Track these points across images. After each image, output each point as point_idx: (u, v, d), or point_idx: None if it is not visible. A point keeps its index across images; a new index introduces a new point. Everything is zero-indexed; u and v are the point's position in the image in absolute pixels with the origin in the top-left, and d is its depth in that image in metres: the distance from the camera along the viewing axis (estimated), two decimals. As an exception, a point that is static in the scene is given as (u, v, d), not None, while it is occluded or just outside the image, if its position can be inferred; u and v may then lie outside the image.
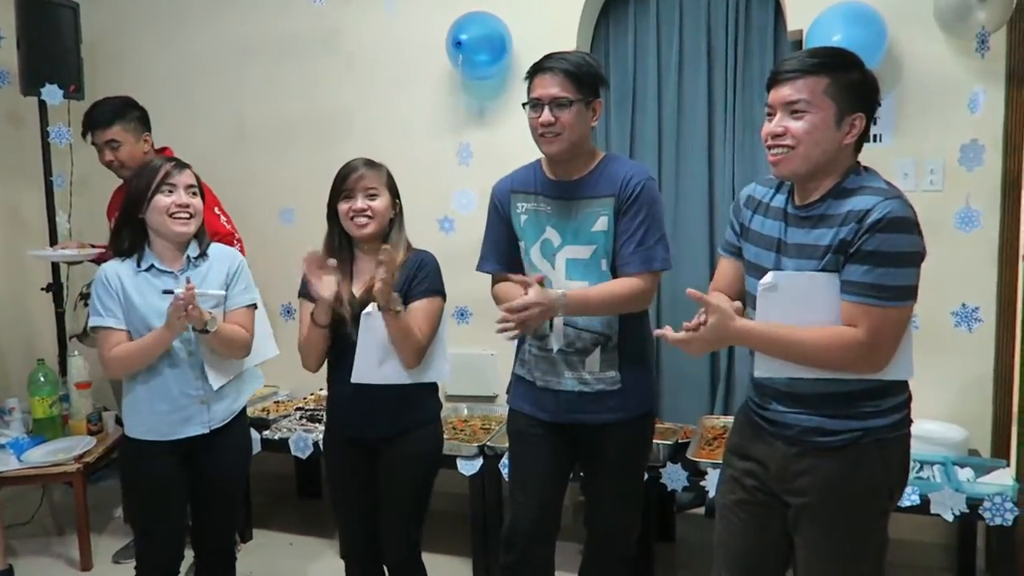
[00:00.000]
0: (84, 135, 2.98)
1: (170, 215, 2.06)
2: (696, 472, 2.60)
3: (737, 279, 1.85)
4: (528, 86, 2.02)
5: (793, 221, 1.67)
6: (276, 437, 3.10)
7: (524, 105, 2.03)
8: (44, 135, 3.47)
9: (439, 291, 2.16)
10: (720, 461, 2.53)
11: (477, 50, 3.12)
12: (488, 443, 2.85)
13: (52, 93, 3.26)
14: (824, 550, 1.68)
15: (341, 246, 2.15)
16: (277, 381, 3.64)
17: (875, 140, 2.83)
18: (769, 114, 1.65)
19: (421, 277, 2.12)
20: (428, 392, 2.22)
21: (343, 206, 2.10)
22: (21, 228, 4.02)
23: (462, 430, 3.08)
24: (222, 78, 3.78)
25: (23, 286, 3.97)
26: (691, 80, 3.22)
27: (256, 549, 3.25)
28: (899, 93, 2.79)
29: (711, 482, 2.52)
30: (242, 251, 2.64)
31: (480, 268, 2.23)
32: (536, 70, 2.01)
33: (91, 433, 3.26)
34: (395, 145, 3.32)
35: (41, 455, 3.07)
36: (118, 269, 2.10)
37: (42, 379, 3.24)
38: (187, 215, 2.08)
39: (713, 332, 1.61)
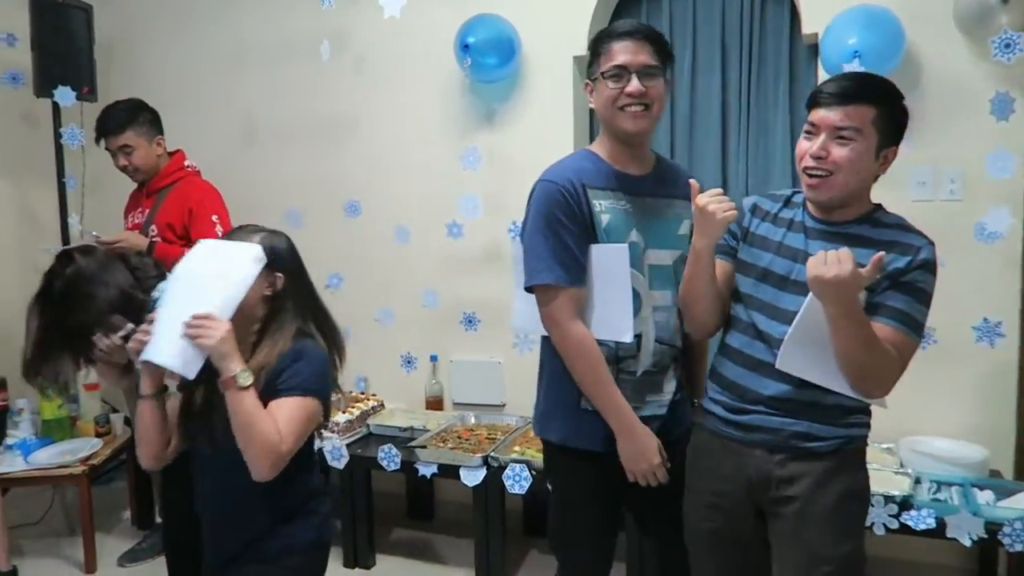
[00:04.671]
0: (97, 141, 2.97)
1: None
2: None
3: (731, 279, 1.77)
4: (599, 56, 1.73)
5: (816, 235, 1.63)
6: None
7: (592, 80, 1.76)
8: (57, 136, 3.49)
9: (311, 390, 1.60)
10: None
11: (485, 53, 3.08)
12: (492, 453, 2.81)
13: (65, 95, 3.25)
14: (802, 551, 1.62)
15: None
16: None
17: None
18: (809, 132, 1.59)
19: (292, 372, 1.59)
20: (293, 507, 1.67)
21: None
22: (35, 228, 4.05)
23: (467, 440, 3.02)
24: (230, 79, 3.78)
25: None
26: (704, 85, 3.14)
27: None
28: (917, 99, 2.68)
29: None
30: None
31: (538, 280, 1.73)
32: (614, 35, 1.72)
33: (99, 435, 3.27)
34: (401, 148, 3.28)
35: (47, 457, 3.09)
36: None
37: (51, 380, 3.25)
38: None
39: (855, 277, 1.46)
